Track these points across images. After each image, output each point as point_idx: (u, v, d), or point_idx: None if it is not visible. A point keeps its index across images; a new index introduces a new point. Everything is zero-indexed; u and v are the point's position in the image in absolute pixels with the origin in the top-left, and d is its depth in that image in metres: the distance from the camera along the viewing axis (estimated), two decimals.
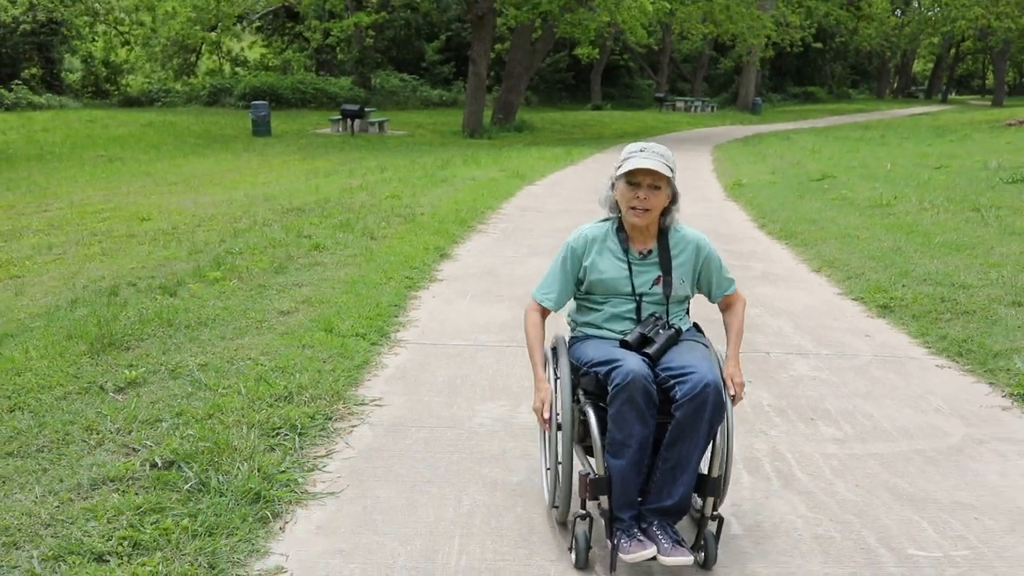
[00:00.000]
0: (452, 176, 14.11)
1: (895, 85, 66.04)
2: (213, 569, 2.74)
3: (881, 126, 28.48)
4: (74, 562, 2.74)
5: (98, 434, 3.71)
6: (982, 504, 3.32)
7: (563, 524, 3.07)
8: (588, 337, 3.16)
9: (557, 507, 3.07)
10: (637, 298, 3.11)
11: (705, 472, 2.90)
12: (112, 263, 7.57)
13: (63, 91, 33.33)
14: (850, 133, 24.92)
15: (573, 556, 2.89)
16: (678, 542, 2.79)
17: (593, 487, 2.81)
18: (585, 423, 2.93)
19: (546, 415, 3.01)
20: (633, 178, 2.99)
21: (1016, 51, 52.47)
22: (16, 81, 29.83)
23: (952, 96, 63.75)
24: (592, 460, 2.87)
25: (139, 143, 22.71)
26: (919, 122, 30.10)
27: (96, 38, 35.93)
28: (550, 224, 9.66)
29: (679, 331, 3.05)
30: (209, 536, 2.89)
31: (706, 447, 2.85)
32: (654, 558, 2.73)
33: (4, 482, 3.28)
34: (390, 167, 15.89)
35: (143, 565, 2.72)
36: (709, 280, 3.21)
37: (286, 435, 3.75)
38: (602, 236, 3.16)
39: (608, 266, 3.12)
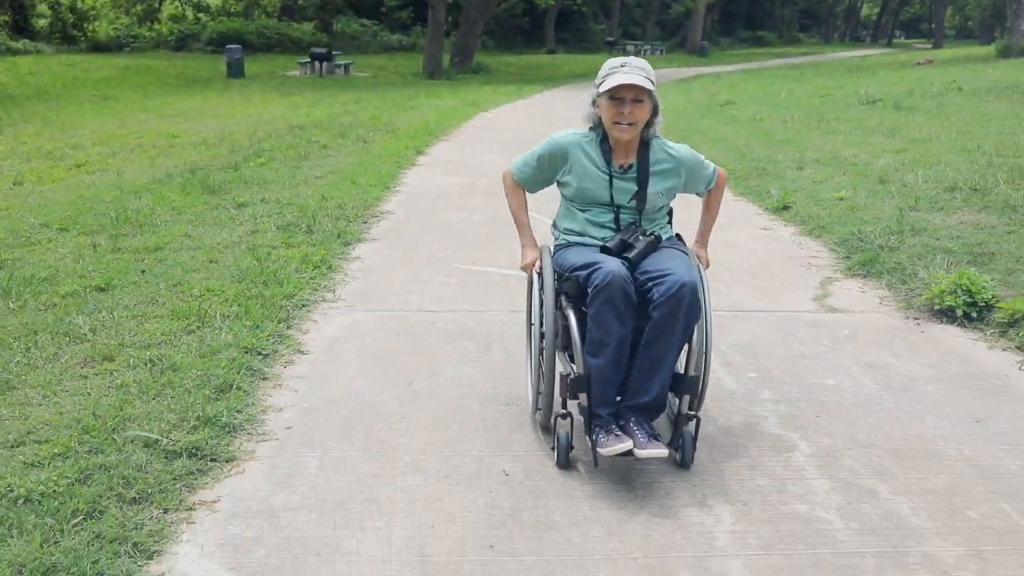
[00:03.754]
0: (419, 105, 17.25)
1: (844, 29, 69.55)
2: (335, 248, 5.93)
3: (809, 66, 31.86)
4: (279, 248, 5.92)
5: (242, 213, 6.89)
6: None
7: (546, 428, 3.26)
8: (570, 244, 3.32)
9: (540, 410, 3.28)
10: (615, 209, 3.26)
11: (681, 371, 3.08)
12: (173, 158, 10.60)
13: (34, 37, 35.54)
14: (777, 72, 28.29)
15: (555, 455, 3.08)
16: (654, 437, 2.94)
17: (573, 385, 2.99)
18: (568, 328, 3.09)
19: (536, 269, 3.37)
20: (616, 94, 3.08)
21: None
22: None
23: (898, 40, 67.39)
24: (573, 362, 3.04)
25: (124, 84, 25.31)
26: (846, 63, 33.50)
27: None
28: (499, 136, 12.84)
29: (659, 238, 3.21)
30: (318, 246, 6.07)
31: (681, 346, 3.03)
32: (630, 452, 2.87)
33: (215, 225, 6.44)
34: (363, 100, 18.90)
35: (291, 247, 5.89)
36: (696, 184, 3.43)
37: (346, 220, 6.93)
38: (586, 145, 3.29)
39: (589, 177, 3.26)
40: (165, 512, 2.74)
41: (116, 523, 2.62)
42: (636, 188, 3.24)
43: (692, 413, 3.05)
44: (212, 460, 3.08)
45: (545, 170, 3.40)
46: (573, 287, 3.13)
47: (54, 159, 11.02)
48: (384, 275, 5.60)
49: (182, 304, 4.69)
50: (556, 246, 3.41)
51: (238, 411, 3.45)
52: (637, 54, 44.57)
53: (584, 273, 3.04)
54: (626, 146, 3.24)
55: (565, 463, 3.06)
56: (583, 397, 3.00)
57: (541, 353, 3.26)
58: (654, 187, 3.26)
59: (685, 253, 3.26)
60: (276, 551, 2.60)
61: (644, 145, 3.27)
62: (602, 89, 3.12)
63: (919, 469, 3.16)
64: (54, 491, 2.76)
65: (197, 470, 3.01)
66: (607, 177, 3.25)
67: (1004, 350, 4.36)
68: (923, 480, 3.08)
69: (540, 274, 3.30)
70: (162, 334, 4.25)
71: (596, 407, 3.00)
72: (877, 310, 5.02)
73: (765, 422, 3.55)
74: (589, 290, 2.99)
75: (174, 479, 2.92)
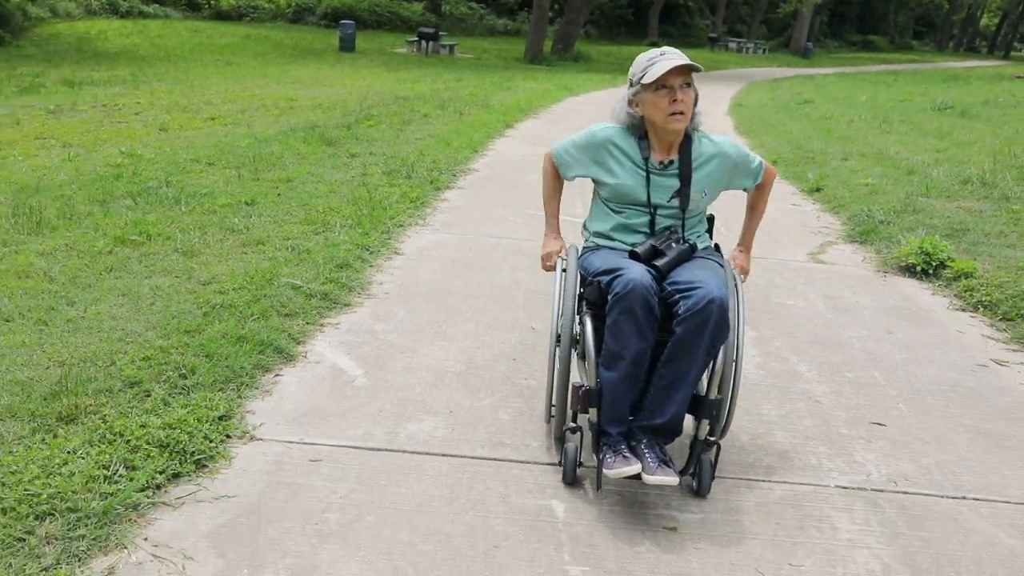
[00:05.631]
0: (515, 86, 18.75)
1: (960, 38, 68.42)
2: (434, 180, 7.44)
3: (907, 74, 32.28)
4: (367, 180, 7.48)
5: (354, 161, 8.49)
6: None
7: (560, 439, 3.15)
8: (599, 247, 3.18)
9: (554, 417, 3.17)
10: (652, 210, 3.09)
11: (703, 394, 2.92)
12: (294, 117, 12.31)
13: (163, 3, 38.22)
14: (872, 77, 28.88)
15: (562, 471, 2.98)
16: (665, 462, 2.78)
17: (584, 398, 2.84)
18: (583, 335, 2.95)
19: (551, 263, 3.32)
20: (666, 81, 2.94)
21: None
22: None
23: (1017, 52, 66.02)
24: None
25: (245, 52, 27.45)
26: (947, 72, 33.76)
27: None
28: (584, 118, 14.22)
29: (693, 247, 3.02)
30: (415, 187, 7.58)
31: (705, 367, 2.85)
32: (638, 476, 2.72)
33: (333, 168, 8.05)
34: (464, 79, 20.48)
35: (393, 186, 7.42)
36: (740, 178, 3.26)
37: (439, 172, 8.45)
38: (623, 140, 3.14)
39: (625, 173, 3.10)
40: (307, 324, 4.30)
41: (277, 323, 4.17)
42: (678, 185, 3.09)
43: (712, 440, 2.94)
44: (335, 302, 4.64)
45: (581, 160, 3.24)
46: (594, 293, 2.97)
47: (191, 112, 12.84)
48: (465, 213, 7.09)
49: (310, 216, 6.28)
50: (584, 248, 3.28)
51: (353, 279, 4.99)
52: (739, 51, 45.53)
53: (606, 279, 2.91)
54: (671, 141, 3.09)
55: (572, 480, 2.97)
56: (594, 412, 2.88)
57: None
58: (698, 183, 3.11)
59: (721, 265, 3.05)
60: (375, 348, 4.12)
61: (686, 139, 3.12)
62: (647, 80, 2.95)
63: (826, 351, 4.51)
64: (236, 303, 4.34)
65: (326, 307, 4.56)
66: (644, 173, 3.09)
67: (944, 296, 5.60)
68: (825, 356, 4.42)
69: (564, 271, 3.19)
70: (297, 233, 5.83)
71: (606, 424, 2.87)
72: (857, 265, 6.28)
73: None
74: (609, 297, 2.84)
75: (312, 308, 4.47)
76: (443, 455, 3.18)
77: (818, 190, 8.72)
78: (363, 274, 5.17)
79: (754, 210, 3.46)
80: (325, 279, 4.88)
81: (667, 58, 2.97)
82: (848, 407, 3.85)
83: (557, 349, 3.07)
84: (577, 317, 3.03)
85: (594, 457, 2.90)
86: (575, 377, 3.03)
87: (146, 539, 2.55)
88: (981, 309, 5.29)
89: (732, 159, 3.21)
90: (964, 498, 3.13)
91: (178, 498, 2.76)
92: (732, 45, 47.21)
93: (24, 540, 2.43)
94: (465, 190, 7.99)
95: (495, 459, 3.17)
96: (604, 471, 2.78)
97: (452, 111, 13.36)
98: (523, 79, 21.30)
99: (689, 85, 3.01)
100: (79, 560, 2.40)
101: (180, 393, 3.37)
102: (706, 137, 3.20)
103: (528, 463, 3.15)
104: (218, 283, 4.68)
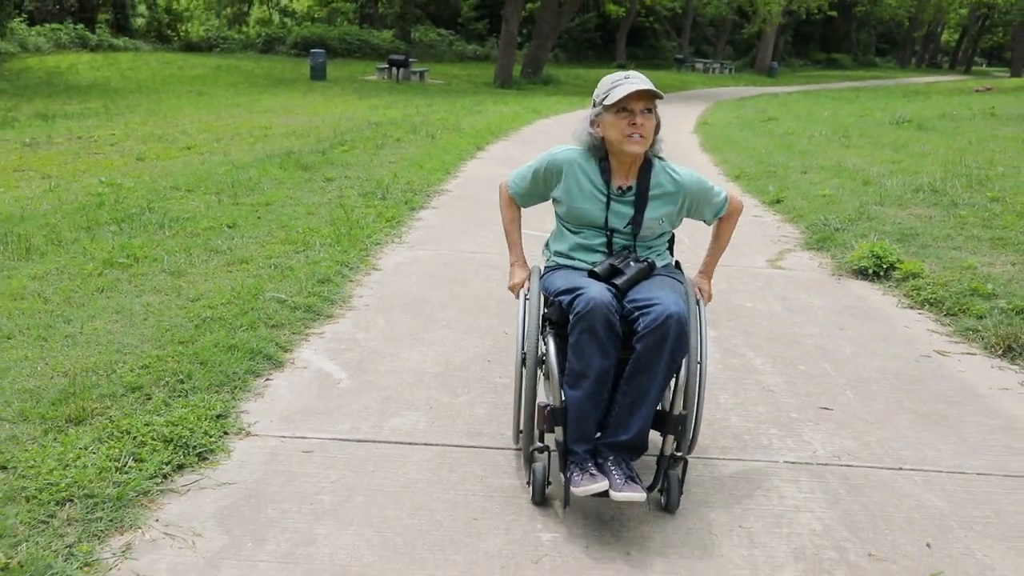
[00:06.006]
0: (485, 110, 19.15)
1: (922, 55, 69.86)
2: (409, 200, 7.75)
3: (870, 90, 33.04)
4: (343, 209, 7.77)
5: (330, 184, 8.78)
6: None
7: (528, 459, 3.11)
8: (559, 267, 3.23)
9: (521, 432, 3.16)
10: (609, 232, 3.16)
11: (667, 409, 2.97)
12: (269, 145, 12.59)
13: (133, 35, 38.51)
14: (835, 94, 29.58)
15: (531, 490, 3.01)
16: (631, 478, 2.82)
17: (550, 417, 2.89)
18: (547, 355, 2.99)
19: (524, 291, 3.29)
20: (627, 104, 2.98)
21: None
22: (99, 24, 34.95)
23: (978, 68, 67.45)
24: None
25: (217, 82, 27.73)
26: (908, 88, 34.59)
27: None
28: (552, 139, 14.60)
29: (652, 265, 3.09)
30: (390, 207, 7.88)
31: (667, 382, 2.91)
32: (605, 493, 2.75)
33: (310, 191, 8.33)
34: (435, 104, 20.86)
35: (369, 207, 7.72)
36: (701, 211, 3.29)
37: (412, 193, 8.75)
38: (584, 163, 3.18)
39: (584, 197, 3.16)
40: (293, 333, 4.58)
41: (265, 333, 4.45)
42: (633, 212, 3.15)
43: (679, 455, 2.96)
44: (318, 314, 4.92)
45: (539, 185, 3.32)
46: (556, 312, 3.03)
47: (166, 142, 13.10)
48: (439, 230, 7.39)
49: (291, 236, 6.56)
50: (545, 268, 3.34)
51: (334, 292, 5.28)
52: (705, 71, 46.32)
53: (567, 298, 2.95)
54: (629, 165, 3.14)
55: (541, 500, 3.00)
56: (559, 431, 2.92)
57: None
58: (652, 212, 3.15)
59: (680, 282, 3.16)
60: (358, 354, 4.40)
61: (646, 165, 3.16)
62: (609, 102, 3.00)
63: (780, 347, 4.83)
64: (225, 316, 4.61)
65: (310, 318, 4.84)
66: (604, 198, 3.15)
67: (893, 296, 5.95)
68: (779, 352, 4.75)
69: (527, 295, 3.24)
70: (279, 252, 6.11)
71: (572, 443, 2.90)
72: (813, 269, 6.64)
73: None
74: (571, 317, 2.88)
75: (297, 319, 4.75)
76: (425, 444, 3.46)
77: (778, 202, 9.10)
78: (344, 288, 5.45)
79: (717, 240, 3.45)
80: (308, 293, 5.16)
81: (631, 82, 3.00)
82: (799, 395, 4.17)
83: (523, 370, 3.06)
84: (541, 337, 3.08)
85: (561, 476, 2.93)
86: (541, 397, 3.04)
87: (157, 520, 2.81)
88: (927, 306, 5.64)
89: (691, 191, 3.22)
90: (901, 469, 3.45)
91: (184, 486, 3.03)
92: (699, 66, 48.01)
93: (47, 523, 2.69)
94: (438, 209, 8.30)
95: (473, 446, 3.46)
96: (572, 489, 2.81)
97: (424, 135, 13.70)
98: (493, 103, 21.71)
99: (651, 111, 3.04)
100: (98, 539, 2.66)
101: (179, 396, 3.64)
102: (669, 168, 3.21)
103: (504, 449, 3.44)
104: (206, 299, 4.95)
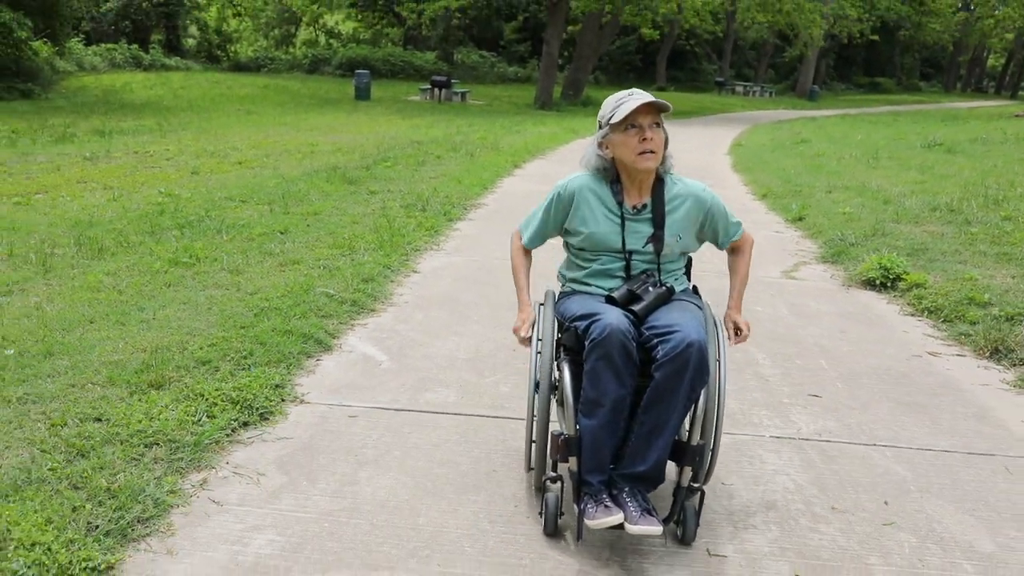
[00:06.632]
0: (524, 130, 19.78)
1: (967, 79, 69.56)
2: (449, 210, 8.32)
3: (909, 114, 33.24)
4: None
5: (374, 197, 9.39)
6: None
7: (540, 489, 3.09)
8: (575, 292, 3.19)
9: (533, 469, 3.15)
10: (627, 255, 3.09)
11: (684, 439, 2.91)
12: (316, 160, 13.27)
13: (184, 55, 39.79)
14: (873, 118, 29.83)
15: (543, 521, 2.97)
16: (648, 511, 2.77)
17: (564, 447, 2.84)
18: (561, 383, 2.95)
19: (523, 334, 3.17)
20: (635, 120, 2.95)
21: None
22: (153, 45, 36.22)
23: None
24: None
25: (264, 101, 28.66)
26: (948, 112, 34.71)
27: (211, 7, 42.46)
28: None
29: (671, 290, 3.03)
30: (430, 218, 8.45)
31: (686, 412, 2.85)
32: (621, 526, 2.71)
33: (355, 203, 8.94)
34: (475, 124, 21.52)
35: (410, 217, 8.31)
36: (715, 230, 3.22)
37: (451, 205, 9.33)
38: (595, 186, 3.13)
39: (599, 220, 3.10)
40: (340, 323, 5.15)
41: (315, 322, 5.02)
42: (652, 230, 3.09)
43: (696, 486, 2.91)
44: (363, 308, 5.49)
45: (553, 222, 3.26)
46: (571, 339, 2.98)
47: (218, 157, 13.83)
48: (475, 240, 7.95)
49: (338, 242, 7.15)
50: (560, 293, 3.30)
51: (377, 290, 5.85)
52: (746, 94, 46.70)
53: (583, 324, 2.89)
54: (641, 183, 3.10)
55: (553, 531, 2.95)
56: (573, 461, 2.87)
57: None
58: (671, 227, 3.10)
59: (700, 308, 3.08)
60: (398, 342, 4.96)
61: (658, 182, 3.12)
62: (616, 119, 2.98)
63: (782, 345, 5.31)
64: (280, 307, 5.20)
65: (355, 311, 5.41)
66: (619, 219, 3.09)
67: (896, 304, 6.39)
68: (780, 348, 5.23)
69: (540, 320, 3.19)
70: (327, 255, 6.70)
71: (586, 474, 2.85)
72: (825, 280, 7.09)
73: None
74: (586, 343, 2.82)
75: (344, 312, 5.33)
76: (454, 414, 4.00)
77: (800, 219, 9.54)
78: (386, 287, 6.02)
79: (736, 274, 3.39)
80: (354, 289, 5.74)
81: (635, 97, 2.98)
82: (793, 384, 4.65)
83: (536, 396, 3.01)
84: (555, 363, 3.03)
85: (574, 507, 2.88)
86: (555, 425, 2.99)
87: (227, 463, 3.38)
88: (927, 314, 6.08)
89: (706, 203, 3.16)
90: (874, 445, 3.92)
91: (248, 438, 3.60)
92: (739, 89, 48.40)
93: (138, 460, 3.26)
94: (476, 221, 8.86)
95: (496, 416, 3.99)
96: (586, 521, 2.77)
97: (464, 153, 14.32)
98: (532, 124, 22.33)
99: (659, 125, 3.00)
100: (180, 474, 3.23)
101: (243, 369, 4.22)
102: (680, 180, 3.17)
103: (523, 419, 3.94)
104: (263, 293, 5.54)
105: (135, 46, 36.07)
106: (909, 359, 5.17)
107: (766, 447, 3.84)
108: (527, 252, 3.41)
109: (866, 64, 61.44)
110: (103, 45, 35.14)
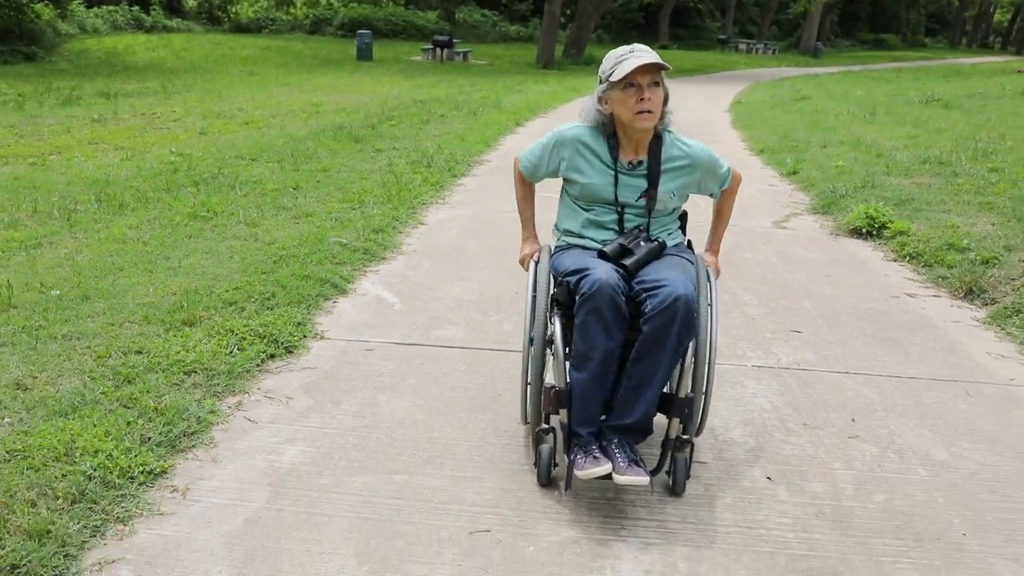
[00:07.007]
0: (526, 89, 20.01)
1: (973, 35, 69.22)
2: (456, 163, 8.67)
3: (912, 71, 33.32)
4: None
5: (380, 154, 9.72)
6: None
7: (536, 441, 3.13)
8: (569, 247, 3.24)
9: (528, 423, 3.26)
10: (620, 208, 3.15)
11: (672, 391, 2.97)
12: (321, 120, 13.56)
13: (185, 17, 39.82)
14: (876, 75, 29.96)
15: (536, 472, 3.08)
16: (635, 462, 2.84)
17: (555, 399, 2.91)
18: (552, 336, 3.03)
19: (529, 265, 3.32)
20: (634, 79, 2.95)
21: None
22: (154, 6, 36.27)
23: None
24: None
25: (267, 62, 28.82)
26: (951, 68, 34.76)
27: None
28: None
29: (663, 245, 3.08)
30: (435, 174, 8.79)
31: (673, 365, 2.90)
32: (609, 476, 2.77)
33: (362, 160, 9.28)
34: (477, 83, 21.75)
35: (416, 173, 8.64)
36: (709, 184, 3.30)
37: (455, 162, 9.65)
38: (590, 138, 3.17)
39: (593, 173, 3.14)
40: (354, 270, 5.52)
41: (331, 268, 5.39)
42: (646, 186, 3.13)
43: (685, 438, 2.97)
44: (374, 256, 5.87)
45: (548, 162, 3.30)
46: (563, 293, 3.03)
47: (225, 118, 14.12)
48: (478, 194, 8.29)
49: (347, 196, 7.50)
50: (556, 247, 3.34)
51: (387, 240, 6.22)
52: (749, 52, 46.65)
53: (574, 279, 2.95)
54: (638, 140, 3.11)
55: (547, 482, 3.05)
56: (564, 413, 2.94)
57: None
58: (666, 185, 3.14)
59: (691, 262, 3.11)
60: (408, 287, 5.33)
61: (656, 139, 3.14)
62: (615, 78, 2.97)
63: (769, 287, 5.67)
64: (297, 255, 5.57)
65: (367, 259, 5.78)
66: (612, 173, 3.13)
67: (881, 251, 6.74)
68: (767, 291, 5.59)
69: (535, 275, 3.20)
70: (338, 209, 7.05)
71: (576, 425, 2.92)
72: (814, 230, 7.43)
73: None
74: (576, 298, 2.89)
75: (356, 259, 5.70)
76: (462, 348, 4.39)
77: (795, 173, 9.86)
78: (395, 237, 6.39)
79: (720, 216, 3.48)
80: (365, 239, 6.11)
81: (636, 56, 2.97)
82: (776, 322, 5.02)
83: (531, 350, 3.09)
84: (548, 318, 3.08)
85: (565, 457, 2.98)
86: (548, 379, 3.06)
87: (259, 389, 3.77)
88: (908, 259, 6.43)
89: (703, 164, 3.21)
90: (847, 372, 4.29)
91: (276, 368, 3.99)
92: (742, 46, 48.35)
93: (179, 385, 3.64)
94: (479, 177, 9.19)
95: (500, 350, 4.37)
96: (575, 472, 2.84)
97: (466, 112, 14.61)
98: (534, 82, 22.55)
99: (658, 84, 3.00)
100: (217, 397, 3.62)
101: (267, 309, 4.60)
102: (679, 140, 3.19)
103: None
104: (279, 243, 5.91)
105: (136, 8, 36.14)
106: (888, 300, 5.53)
107: (747, 375, 4.21)
108: (528, 184, 3.50)
109: (871, 20, 61.21)
110: (104, 7, 35.20)
